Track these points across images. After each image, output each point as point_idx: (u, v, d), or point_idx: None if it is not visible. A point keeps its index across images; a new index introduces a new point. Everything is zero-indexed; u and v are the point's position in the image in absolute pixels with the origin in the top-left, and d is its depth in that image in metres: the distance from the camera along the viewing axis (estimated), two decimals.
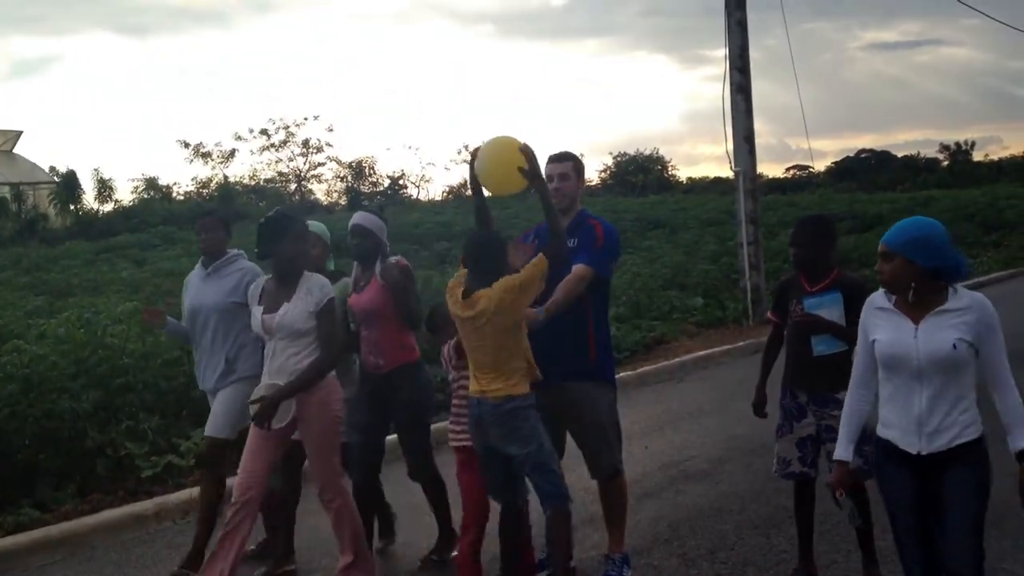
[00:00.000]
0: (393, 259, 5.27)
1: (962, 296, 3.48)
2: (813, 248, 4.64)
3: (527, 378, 4.46)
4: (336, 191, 51.95)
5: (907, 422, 3.50)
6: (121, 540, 5.98)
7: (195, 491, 6.49)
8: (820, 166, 52.95)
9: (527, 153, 4.49)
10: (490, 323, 4.35)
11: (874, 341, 3.59)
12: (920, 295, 3.47)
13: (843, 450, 3.76)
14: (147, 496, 6.55)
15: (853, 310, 4.47)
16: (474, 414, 4.49)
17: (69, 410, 6.99)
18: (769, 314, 4.99)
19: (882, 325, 3.57)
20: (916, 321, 3.48)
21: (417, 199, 50.63)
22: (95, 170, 44.39)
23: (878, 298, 3.62)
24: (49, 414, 6.93)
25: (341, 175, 52.09)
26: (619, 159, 54.34)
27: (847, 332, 4.46)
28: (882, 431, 3.61)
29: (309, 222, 5.44)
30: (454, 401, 4.87)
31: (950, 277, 3.46)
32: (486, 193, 4.82)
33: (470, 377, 4.53)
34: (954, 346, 3.39)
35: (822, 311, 4.57)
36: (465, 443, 4.71)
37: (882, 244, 3.50)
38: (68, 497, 6.51)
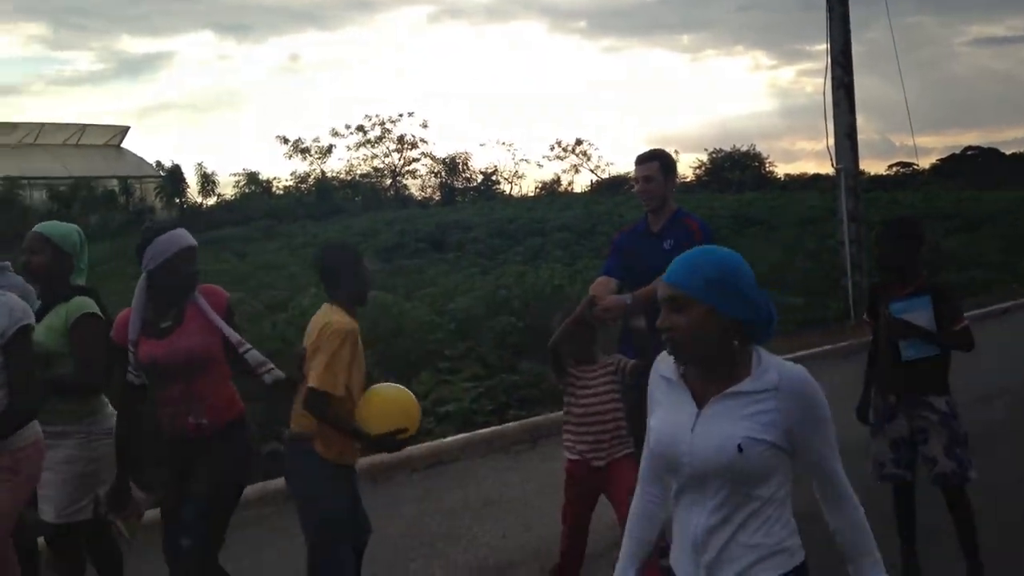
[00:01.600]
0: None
1: (767, 369, 2.36)
2: (899, 252, 4.57)
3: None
4: (430, 186, 52.52)
5: (684, 543, 2.46)
6: None
7: None
8: (925, 163, 51.52)
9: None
10: None
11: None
12: (717, 365, 2.40)
13: (621, 571, 2.65)
14: (253, 481, 6.70)
15: (943, 314, 4.49)
16: None
17: None
18: (865, 317, 4.97)
19: (662, 404, 2.52)
20: (702, 403, 2.41)
21: (510, 195, 50.84)
22: (198, 165, 45.87)
23: (662, 364, 2.55)
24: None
25: (435, 171, 52.64)
26: (714, 155, 53.68)
27: (936, 337, 4.47)
28: (671, 552, 2.56)
29: (44, 223, 4.47)
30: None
31: (760, 335, 2.41)
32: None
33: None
34: (740, 448, 2.31)
35: (910, 315, 4.51)
36: (573, 456, 4.59)
37: (669, 286, 2.39)
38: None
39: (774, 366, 2.37)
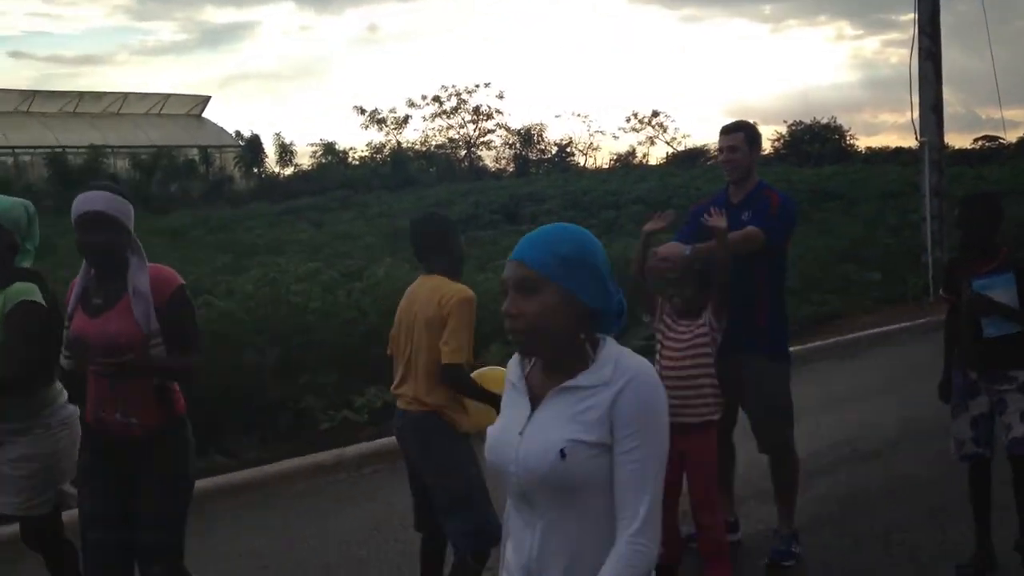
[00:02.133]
0: (145, 269, 3.52)
1: (607, 362, 2.05)
2: (981, 229, 4.48)
3: None
4: (504, 158, 52.52)
5: (519, 571, 2.12)
6: (300, 489, 6.29)
7: (370, 445, 6.78)
8: (1012, 137, 49.79)
9: None
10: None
11: None
12: (562, 360, 2.09)
13: None
14: (325, 448, 6.84)
15: None
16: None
17: (253, 363, 7.36)
18: (942, 293, 4.83)
19: (504, 407, 2.22)
20: (536, 403, 2.12)
21: (584, 167, 50.62)
22: (277, 135, 46.47)
23: (512, 366, 2.25)
24: (235, 367, 7.30)
25: (510, 142, 52.58)
26: (794, 127, 52.66)
27: (1019, 314, 4.37)
28: None
29: None
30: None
31: (609, 326, 2.12)
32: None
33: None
34: (562, 454, 1.99)
35: (993, 293, 4.40)
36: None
37: (517, 265, 2.06)
38: (252, 446, 6.88)
39: (614, 358, 2.04)
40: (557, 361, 2.09)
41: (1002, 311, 4.40)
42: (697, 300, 4.49)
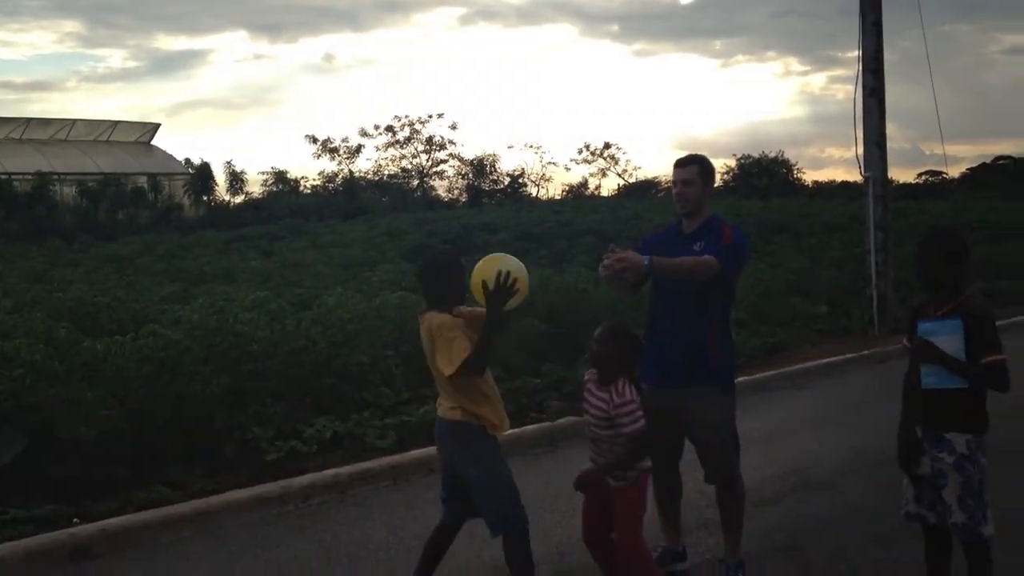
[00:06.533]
0: None
1: None
2: (937, 267, 4.13)
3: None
4: (457, 188, 52.54)
5: None
6: (246, 520, 6.18)
7: (317, 476, 6.71)
8: (955, 172, 50.99)
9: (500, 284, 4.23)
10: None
11: None
12: None
13: None
14: (272, 479, 6.75)
15: (973, 341, 4.01)
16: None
17: (200, 393, 7.26)
18: (904, 341, 4.35)
19: None
20: None
21: (536, 197, 50.84)
22: (227, 163, 46.09)
23: None
24: (181, 396, 7.20)
25: (463, 172, 52.63)
26: (742, 161, 53.36)
27: (960, 366, 4.01)
28: None
29: None
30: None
31: None
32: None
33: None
34: None
35: (938, 339, 4.04)
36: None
37: None
38: (197, 477, 6.77)
39: None
40: None
41: (938, 359, 4.05)
42: (611, 372, 4.48)
